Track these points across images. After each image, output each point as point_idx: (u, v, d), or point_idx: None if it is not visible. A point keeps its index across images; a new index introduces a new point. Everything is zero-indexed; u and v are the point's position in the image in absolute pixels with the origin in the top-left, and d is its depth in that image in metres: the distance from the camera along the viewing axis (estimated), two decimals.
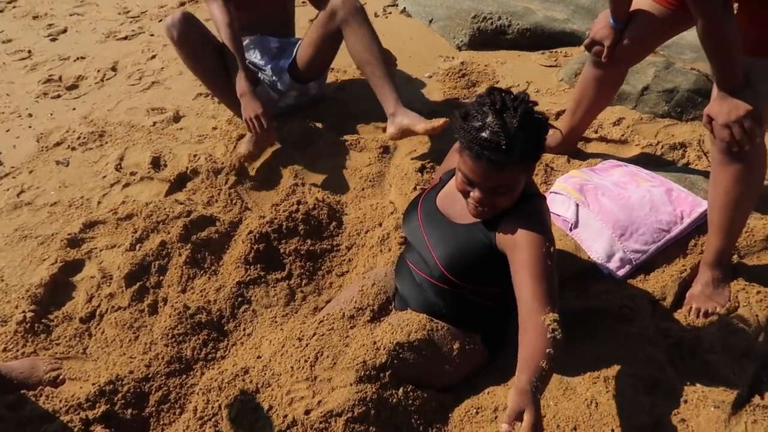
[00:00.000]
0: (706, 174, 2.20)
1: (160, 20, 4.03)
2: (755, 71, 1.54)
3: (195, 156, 2.50)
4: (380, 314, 1.70)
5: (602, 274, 1.90)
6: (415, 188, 2.16)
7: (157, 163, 2.56)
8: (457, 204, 1.58)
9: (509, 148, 1.31)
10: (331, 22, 2.41)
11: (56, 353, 1.82)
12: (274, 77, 2.60)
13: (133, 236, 2.11)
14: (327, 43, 2.51)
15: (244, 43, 2.59)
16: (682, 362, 1.63)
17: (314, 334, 1.62)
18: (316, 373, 1.55)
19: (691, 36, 2.61)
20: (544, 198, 1.54)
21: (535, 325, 1.31)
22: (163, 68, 3.35)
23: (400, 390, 1.53)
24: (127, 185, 2.46)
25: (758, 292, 1.81)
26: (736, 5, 1.63)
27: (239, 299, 1.91)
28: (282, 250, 2.04)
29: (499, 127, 1.31)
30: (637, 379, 1.56)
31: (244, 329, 1.85)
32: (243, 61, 2.39)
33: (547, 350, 1.26)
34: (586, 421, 1.49)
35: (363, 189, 2.30)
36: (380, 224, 2.09)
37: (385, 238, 1.96)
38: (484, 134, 1.31)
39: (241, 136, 2.62)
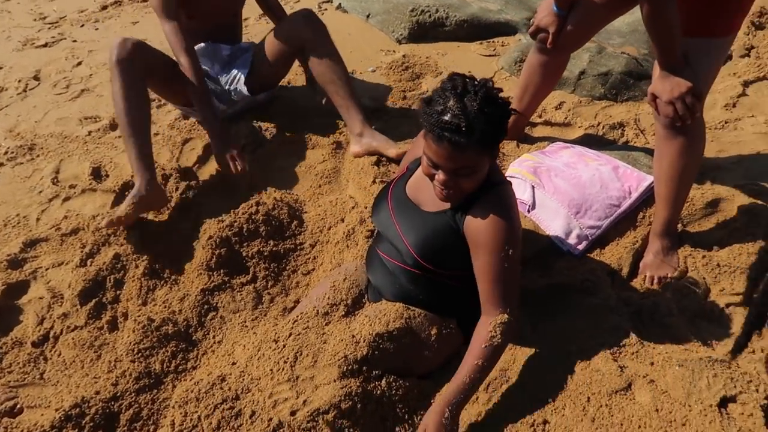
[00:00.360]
0: (646, 150, 2.33)
1: (82, 25, 3.84)
2: (692, 50, 1.64)
3: None
4: (354, 308, 1.69)
5: (562, 250, 1.97)
6: (373, 181, 2.17)
7: (98, 174, 2.44)
8: (426, 191, 1.60)
9: (469, 130, 1.34)
10: (292, 40, 2.36)
11: (9, 382, 1.71)
12: (228, 87, 2.53)
13: (82, 251, 2.01)
14: (286, 59, 2.49)
15: (196, 50, 2.46)
16: (644, 327, 1.73)
17: (290, 335, 1.60)
18: (298, 373, 1.53)
19: (618, 22, 2.75)
20: (509, 183, 1.58)
21: (481, 329, 1.49)
22: (91, 75, 3.19)
23: (383, 381, 1.53)
24: (67, 199, 2.33)
25: (703, 257, 1.93)
26: None
27: (205, 307, 1.86)
28: (244, 253, 1.99)
29: (460, 110, 1.33)
30: (606, 347, 1.63)
31: (214, 337, 1.80)
32: (208, 97, 2.31)
33: (477, 362, 1.45)
34: (562, 392, 1.55)
35: (320, 186, 2.28)
36: (342, 219, 2.08)
37: (350, 233, 1.95)
38: (445, 117, 1.34)
39: (186, 141, 2.54)
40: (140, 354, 1.70)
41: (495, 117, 1.38)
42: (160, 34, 2.41)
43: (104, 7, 4.09)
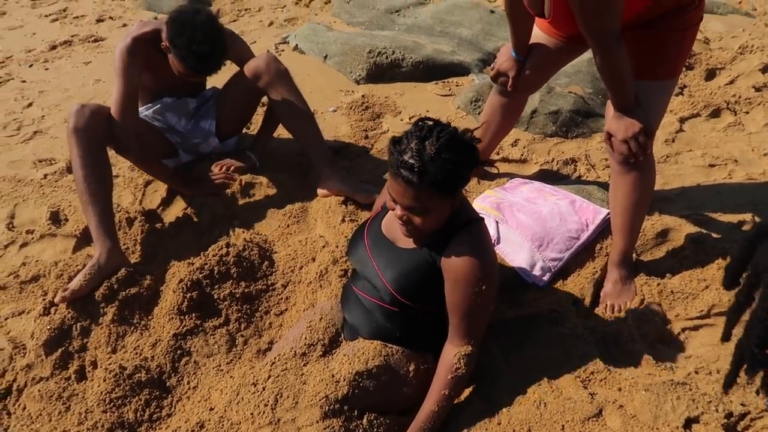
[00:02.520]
0: (598, 184, 2.46)
1: (30, 65, 3.76)
2: (642, 93, 1.78)
3: None
4: (332, 347, 1.71)
5: (527, 282, 2.05)
6: (342, 220, 2.20)
7: (56, 218, 2.38)
8: (401, 229, 1.64)
9: (421, 173, 1.40)
10: (255, 85, 2.37)
11: None
12: (196, 140, 2.53)
13: (44, 299, 1.95)
14: (250, 104, 2.52)
15: (161, 106, 2.47)
16: (610, 354, 1.81)
17: (269, 377, 1.60)
18: (279, 416, 1.53)
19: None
20: (483, 220, 1.65)
21: (445, 360, 1.57)
22: (44, 116, 3.13)
23: (365, 419, 1.55)
24: (24, 245, 2.26)
25: (657, 284, 2.05)
26: None
27: (178, 352, 1.83)
28: (216, 296, 1.98)
29: (417, 152, 1.41)
30: (576, 375, 1.71)
31: (189, 382, 1.77)
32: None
33: (443, 391, 1.54)
34: (538, 421, 1.60)
35: (288, 226, 2.29)
36: (313, 259, 2.10)
37: (323, 273, 1.97)
38: (404, 157, 1.42)
39: (148, 183, 2.52)
40: (112, 404, 1.66)
41: (453, 162, 1.43)
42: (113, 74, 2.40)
43: (53, 47, 4.03)
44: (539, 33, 2.09)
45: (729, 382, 1.29)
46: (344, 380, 1.55)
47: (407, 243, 1.63)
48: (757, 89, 3.29)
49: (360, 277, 1.72)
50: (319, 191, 2.36)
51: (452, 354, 1.56)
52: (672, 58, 1.78)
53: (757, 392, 1.73)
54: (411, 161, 1.40)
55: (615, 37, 1.60)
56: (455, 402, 1.64)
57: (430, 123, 1.47)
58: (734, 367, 1.26)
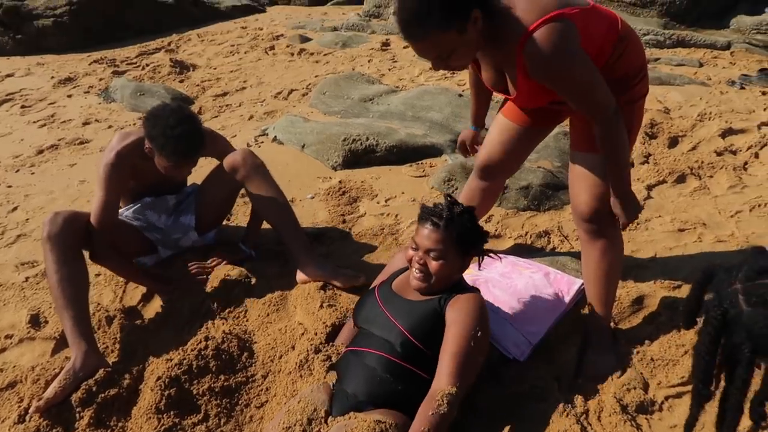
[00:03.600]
0: (571, 254, 2.52)
1: (17, 170, 3.86)
2: (596, 164, 1.86)
3: None
4: (311, 425, 1.67)
5: (508, 358, 2.05)
6: (321, 306, 2.22)
7: (36, 321, 2.38)
8: (410, 288, 1.88)
9: (448, 221, 1.79)
10: (232, 179, 2.45)
11: None
12: (176, 235, 2.58)
13: (19, 406, 1.91)
14: (229, 197, 2.61)
15: (142, 205, 2.54)
16: (593, 428, 1.79)
17: None
18: None
19: None
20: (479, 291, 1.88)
21: (429, 397, 1.62)
22: (28, 219, 3.18)
23: None
24: (2, 350, 2.24)
25: (637, 352, 2.06)
26: (568, 119, 1.99)
27: None
28: (195, 392, 1.95)
29: (447, 209, 1.82)
30: None
31: None
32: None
33: (422, 428, 1.56)
34: None
35: (268, 314, 2.30)
36: (293, 347, 2.10)
37: (303, 362, 1.96)
38: (435, 209, 1.83)
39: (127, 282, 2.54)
40: None
41: (473, 225, 1.85)
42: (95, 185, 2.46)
43: (40, 152, 4.15)
44: (507, 121, 2.18)
45: (689, 425, 1.32)
46: None
47: (417, 297, 1.84)
48: (719, 154, 3.43)
49: (364, 336, 1.83)
50: (298, 278, 2.39)
51: (436, 392, 1.61)
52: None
53: None
54: (441, 212, 1.80)
55: (614, 110, 1.69)
56: None
57: (457, 203, 1.86)
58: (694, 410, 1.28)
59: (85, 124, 4.69)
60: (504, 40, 1.63)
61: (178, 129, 2.12)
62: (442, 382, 1.63)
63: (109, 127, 4.60)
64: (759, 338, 1.13)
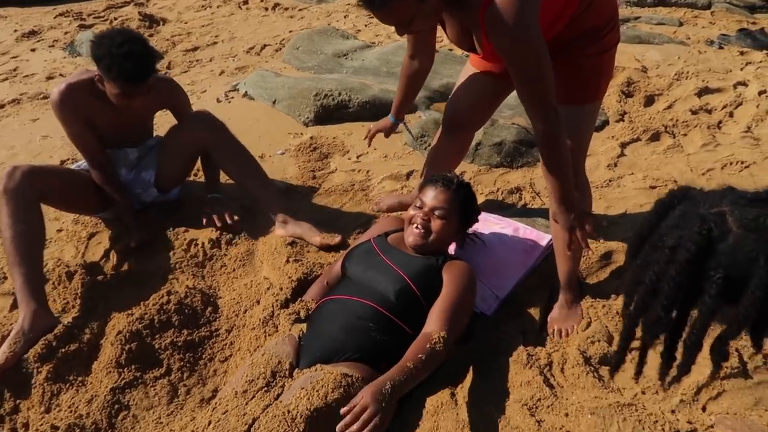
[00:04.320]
0: (542, 211, 2.50)
1: None
2: (567, 116, 1.82)
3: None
4: (275, 379, 1.64)
5: (476, 313, 2.05)
6: (287, 261, 2.18)
7: None
8: (406, 247, 1.97)
9: (458, 185, 2.00)
10: (194, 140, 2.37)
11: None
12: (137, 190, 2.50)
13: None
14: (190, 157, 2.51)
15: None
16: (556, 380, 1.80)
17: (209, 423, 1.54)
18: None
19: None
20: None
21: (423, 335, 1.70)
22: None
23: None
24: None
25: (603, 306, 2.06)
26: None
27: (116, 407, 1.76)
28: (157, 346, 1.92)
29: (456, 176, 2.04)
30: (523, 403, 1.69)
31: None
32: (132, 210, 2.40)
33: (420, 355, 1.62)
34: None
35: (234, 270, 2.26)
36: (258, 301, 2.07)
37: (269, 317, 1.94)
38: (445, 174, 2.05)
39: (92, 235, 2.47)
40: None
41: (474, 200, 2.08)
42: (61, 130, 2.37)
43: (1, 106, 3.99)
44: (474, 70, 2.13)
45: (617, 363, 1.18)
46: (301, 417, 1.48)
47: (414, 254, 1.93)
48: (694, 112, 3.42)
49: (353, 285, 1.85)
50: (277, 233, 2.36)
51: (431, 333, 1.69)
52: (592, 83, 1.83)
53: (703, 409, 1.74)
54: (453, 178, 2.02)
55: (555, 110, 1.60)
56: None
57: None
58: (624, 344, 1.16)
59: (49, 78, 4.51)
60: (468, 6, 1.58)
61: (125, 47, 2.03)
62: (435, 326, 1.71)
63: None
64: (738, 266, 0.95)
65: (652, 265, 1.03)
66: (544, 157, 1.71)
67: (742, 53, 4.40)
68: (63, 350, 1.90)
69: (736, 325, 0.98)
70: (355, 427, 1.44)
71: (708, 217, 0.99)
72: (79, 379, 1.85)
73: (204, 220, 2.42)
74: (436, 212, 1.93)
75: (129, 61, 2.04)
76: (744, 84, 3.74)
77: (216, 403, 1.59)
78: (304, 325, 1.83)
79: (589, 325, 2.00)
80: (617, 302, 2.08)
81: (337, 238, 2.30)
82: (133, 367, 1.86)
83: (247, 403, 1.56)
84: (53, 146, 3.32)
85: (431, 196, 1.95)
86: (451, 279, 1.84)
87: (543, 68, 1.57)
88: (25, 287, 1.97)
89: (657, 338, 1.06)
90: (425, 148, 3.00)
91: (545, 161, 1.71)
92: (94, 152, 2.32)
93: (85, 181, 2.37)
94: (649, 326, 1.06)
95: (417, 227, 1.93)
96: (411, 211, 1.97)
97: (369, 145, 2.52)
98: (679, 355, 1.07)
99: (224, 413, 1.54)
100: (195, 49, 5.03)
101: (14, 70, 4.77)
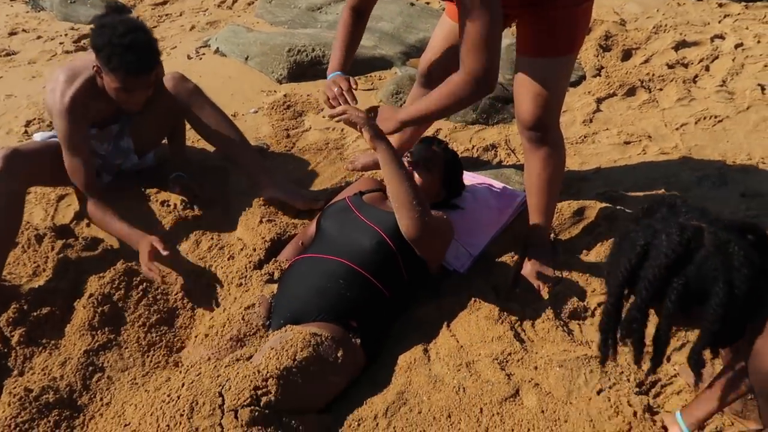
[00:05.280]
0: (516, 167, 2.50)
1: None
2: (543, 69, 1.80)
3: None
4: (245, 338, 1.66)
5: (448, 270, 2.06)
6: (260, 221, 2.17)
7: None
8: (381, 202, 2.01)
9: (447, 145, 2.13)
10: (169, 108, 2.29)
11: None
12: (118, 160, 2.40)
13: None
14: (165, 122, 2.40)
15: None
16: (527, 334, 1.84)
17: (183, 384, 1.55)
18: (197, 424, 1.48)
19: None
20: None
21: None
22: None
23: (293, 422, 1.51)
24: None
25: (575, 262, 2.09)
26: (515, 23, 1.90)
27: (90, 368, 1.76)
28: (130, 308, 1.92)
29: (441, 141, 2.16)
30: (493, 357, 1.72)
31: (101, 399, 1.71)
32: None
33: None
34: (457, 406, 1.61)
35: (206, 231, 2.24)
36: (231, 257, 2.06)
37: (242, 276, 1.94)
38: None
39: (61, 197, 2.43)
40: (18, 429, 1.58)
41: (459, 165, 2.15)
42: (26, 89, 2.29)
43: None
44: (450, 22, 2.09)
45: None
46: (272, 376, 1.51)
47: (390, 209, 1.82)
48: (670, 66, 3.40)
49: (328, 243, 1.83)
50: (264, 194, 2.31)
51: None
52: (565, 35, 1.79)
53: (668, 359, 1.79)
54: (443, 141, 2.17)
55: (483, 81, 1.65)
56: (379, 395, 1.64)
57: None
58: (604, 336, 1.27)
59: (12, 34, 4.33)
60: None
61: (127, 38, 1.92)
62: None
63: (38, 37, 4.26)
64: (699, 280, 1.08)
65: (623, 260, 1.16)
66: (426, 106, 1.76)
67: (720, 5, 4.35)
68: (35, 314, 1.90)
69: (706, 337, 1.13)
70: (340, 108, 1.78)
71: (687, 227, 1.11)
72: (52, 342, 1.85)
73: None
74: (422, 161, 1.99)
75: (131, 53, 1.93)
76: (721, 37, 3.72)
77: (189, 365, 1.60)
78: (275, 286, 1.84)
79: (560, 281, 2.04)
80: (588, 257, 2.11)
81: (320, 202, 2.26)
82: (106, 329, 1.86)
83: (219, 365, 1.58)
84: (18, 106, 3.21)
85: (419, 148, 2.04)
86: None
87: (494, 30, 1.57)
88: None
89: (631, 336, 1.20)
90: (401, 105, 2.96)
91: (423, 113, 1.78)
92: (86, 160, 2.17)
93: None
94: (624, 324, 1.20)
95: None
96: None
97: (331, 111, 1.91)
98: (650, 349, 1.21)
99: (197, 375, 1.56)
100: (164, 2, 4.84)
101: None
